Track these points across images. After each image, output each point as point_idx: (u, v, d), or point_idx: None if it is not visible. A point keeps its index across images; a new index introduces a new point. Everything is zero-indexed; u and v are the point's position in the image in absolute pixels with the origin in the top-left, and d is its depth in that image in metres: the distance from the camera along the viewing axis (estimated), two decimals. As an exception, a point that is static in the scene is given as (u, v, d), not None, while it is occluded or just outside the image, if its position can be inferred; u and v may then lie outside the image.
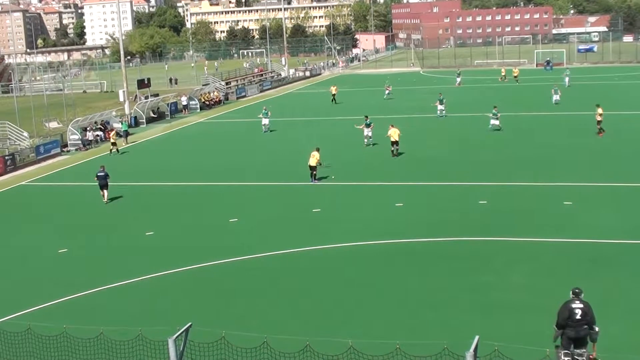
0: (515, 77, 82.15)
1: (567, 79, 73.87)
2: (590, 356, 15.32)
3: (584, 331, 14.98)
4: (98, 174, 33.34)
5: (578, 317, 14.89)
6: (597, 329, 15.11)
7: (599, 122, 43.78)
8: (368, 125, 44.15)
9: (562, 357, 15.06)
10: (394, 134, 40.16)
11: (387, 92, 72.23)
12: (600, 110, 43.91)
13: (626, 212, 27.42)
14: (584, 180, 32.88)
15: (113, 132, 49.66)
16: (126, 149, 49.36)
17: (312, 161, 34.52)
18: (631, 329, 17.37)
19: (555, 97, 59.52)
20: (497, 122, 47.57)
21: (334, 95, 69.53)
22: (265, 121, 52.95)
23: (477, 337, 12.58)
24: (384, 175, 36.01)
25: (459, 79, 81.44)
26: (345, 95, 75.44)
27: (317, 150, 34.88)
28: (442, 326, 17.87)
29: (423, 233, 25.91)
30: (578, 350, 14.97)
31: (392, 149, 40.37)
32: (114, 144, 47.39)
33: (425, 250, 24.25)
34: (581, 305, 15.00)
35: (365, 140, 44.00)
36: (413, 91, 79.20)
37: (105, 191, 33.21)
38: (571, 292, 15.39)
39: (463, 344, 12.98)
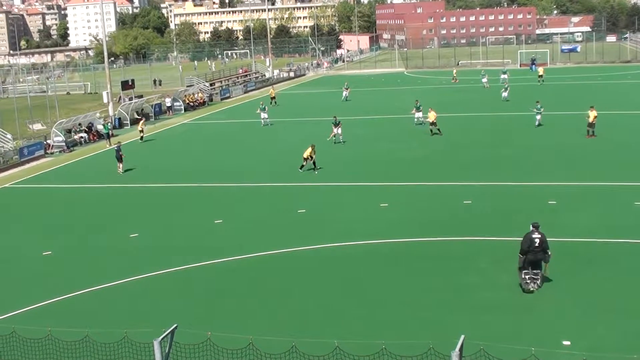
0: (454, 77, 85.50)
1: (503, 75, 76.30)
2: (544, 274, 19.89)
3: (540, 255, 19.51)
4: (115, 149, 40.28)
5: (537, 244, 19.38)
6: (549, 252, 19.57)
7: (591, 125, 42.90)
8: (336, 125, 45.26)
9: (523, 276, 19.66)
10: (431, 116, 46.47)
11: (345, 93, 71.58)
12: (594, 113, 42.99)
13: (610, 211, 27.65)
14: (568, 180, 33.07)
15: (142, 120, 54.51)
16: (109, 150, 49.13)
17: (305, 153, 36.88)
18: (615, 328, 17.47)
19: (504, 94, 62.68)
20: (539, 117, 47.93)
21: (272, 97, 70.78)
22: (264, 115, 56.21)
23: (462, 337, 12.62)
24: (368, 176, 36.06)
25: (485, 80, 76.88)
26: (332, 96, 75.52)
27: (312, 146, 37.13)
28: (428, 326, 17.92)
29: (408, 233, 25.96)
30: (534, 271, 19.62)
31: (431, 128, 46.56)
32: (141, 131, 51.89)
33: (410, 250, 24.30)
34: (539, 236, 19.44)
35: (334, 138, 45.29)
36: (398, 92, 79.40)
37: (120, 164, 39.43)
38: (531, 225, 19.71)
39: (449, 344, 13.02)
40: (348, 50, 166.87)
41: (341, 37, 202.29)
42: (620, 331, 17.26)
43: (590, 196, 30.31)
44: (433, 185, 33.67)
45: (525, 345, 14.66)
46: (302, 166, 36.99)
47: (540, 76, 78.90)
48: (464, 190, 32.10)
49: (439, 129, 46.57)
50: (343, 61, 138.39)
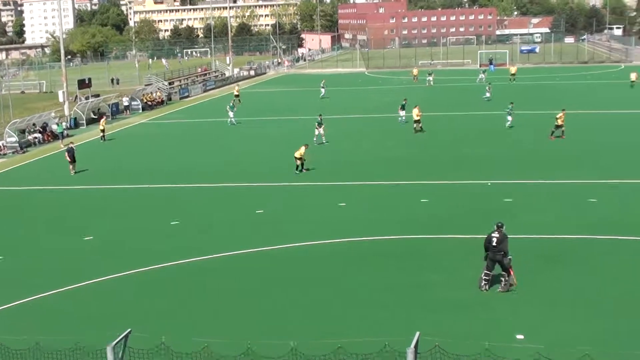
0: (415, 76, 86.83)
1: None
2: (511, 284, 19.73)
3: (499, 256, 19.47)
4: (67, 150, 39.52)
5: (494, 243, 19.51)
6: (510, 257, 19.49)
7: (558, 126, 42.84)
8: (320, 125, 44.69)
9: (483, 276, 19.80)
10: (415, 113, 46.93)
11: (322, 91, 72.54)
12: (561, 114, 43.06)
13: (565, 209, 28.06)
14: (522, 178, 33.39)
15: (103, 119, 53.93)
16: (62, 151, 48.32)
17: (297, 153, 36.16)
18: (570, 323, 17.67)
19: (487, 95, 63.17)
20: (510, 119, 47.56)
21: (237, 95, 71.33)
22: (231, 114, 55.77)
23: (417, 333, 12.73)
24: (322, 176, 35.86)
25: (430, 78, 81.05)
26: (294, 95, 75.42)
27: (306, 145, 36.67)
28: (386, 324, 17.89)
29: (366, 232, 25.89)
30: (504, 272, 19.69)
31: (414, 126, 46.78)
32: (102, 130, 50.95)
33: (370, 249, 24.25)
34: (497, 235, 19.56)
35: (315, 138, 44.20)
36: (360, 92, 79.66)
37: (71, 165, 38.79)
38: (495, 225, 19.79)
39: (405, 341, 13.02)
40: (310, 49, 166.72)
41: (303, 35, 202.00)
42: (575, 326, 17.46)
43: (545, 193, 30.68)
44: (388, 184, 33.70)
45: (480, 341, 14.63)
46: (297, 166, 36.26)
47: (513, 75, 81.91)
48: (420, 188, 32.26)
49: (421, 127, 46.77)
50: (304, 60, 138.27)
